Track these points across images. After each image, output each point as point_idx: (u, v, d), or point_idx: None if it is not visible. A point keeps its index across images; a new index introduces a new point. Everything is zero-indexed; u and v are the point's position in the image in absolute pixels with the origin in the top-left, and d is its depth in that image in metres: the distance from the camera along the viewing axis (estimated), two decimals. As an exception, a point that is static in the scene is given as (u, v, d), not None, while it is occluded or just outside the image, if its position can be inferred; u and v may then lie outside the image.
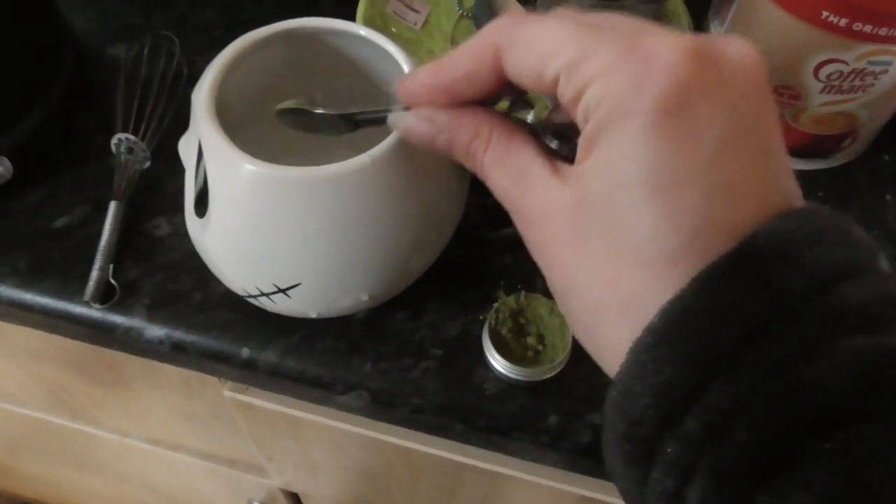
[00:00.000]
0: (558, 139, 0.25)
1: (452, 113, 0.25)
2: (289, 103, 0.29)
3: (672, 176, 0.20)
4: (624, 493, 0.22)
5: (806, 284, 0.19)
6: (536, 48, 0.22)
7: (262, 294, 0.35)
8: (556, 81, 0.22)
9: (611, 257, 0.21)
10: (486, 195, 0.29)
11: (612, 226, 0.21)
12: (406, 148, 0.32)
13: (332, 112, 0.28)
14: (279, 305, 0.36)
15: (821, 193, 0.48)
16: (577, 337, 0.24)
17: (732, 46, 0.21)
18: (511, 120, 0.25)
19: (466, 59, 0.24)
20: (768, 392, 0.19)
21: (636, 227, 0.20)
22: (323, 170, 0.31)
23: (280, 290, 0.34)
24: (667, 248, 0.20)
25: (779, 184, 0.21)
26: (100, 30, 0.53)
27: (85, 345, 0.45)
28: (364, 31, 0.35)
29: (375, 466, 0.50)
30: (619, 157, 0.21)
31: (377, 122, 0.28)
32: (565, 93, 0.22)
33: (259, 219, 0.32)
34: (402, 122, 0.26)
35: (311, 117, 0.29)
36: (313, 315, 0.36)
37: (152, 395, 0.56)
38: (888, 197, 0.48)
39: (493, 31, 0.23)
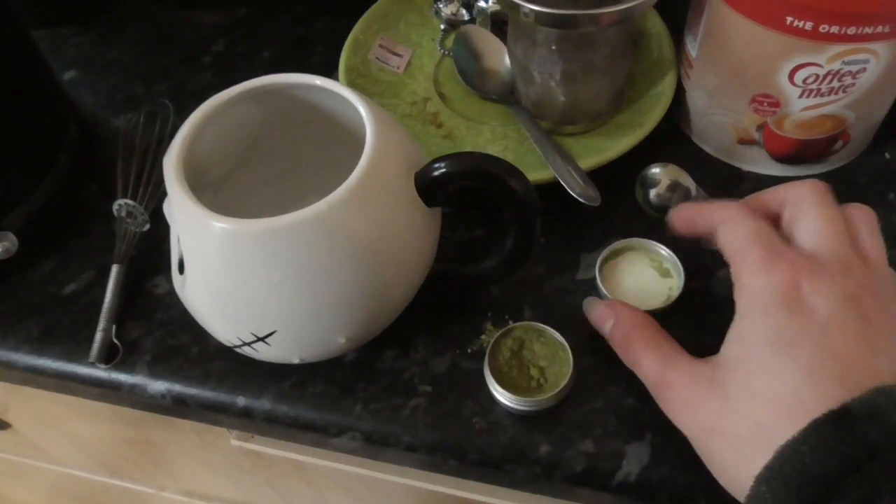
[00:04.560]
0: None
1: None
2: None
3: (791, 338, 0.29)
4: None
5: (889, 439, 0.26)
6: (727, 237, 0.33)
7: (245, 343, 0.36)
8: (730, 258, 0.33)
9: (747, 397, 0.29)
10: (466, 230, 0.29)
11: (749, 374, 0.29)
12: (363, 192, 0.33)
13: None
14: (262, 353, 0.37)
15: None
16: (712, 470, 0.31)
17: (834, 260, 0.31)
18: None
19: (706, 220, 0.35)
20: None
21: (768, 375, 0.28)
22: (281, 219, 0.32)
23: (259, 339, 0.35)
24: (791, 391, 0.28)
25: (877, 362, 0.29)
26: (106, 102, 0.57)
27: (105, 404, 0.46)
28: (320, 81, 0.36)
29: (389, 507, 0.51)
30: (751, 327, 0.30)
31: None
32: (732, 270, 0.32)
33: (226, 271, 0.33)
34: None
35: None
36: (296, 361, 0.37)
37: (173, 448, 0.58)
38: (891, 196, 0.47)
39: (723, 214, 0.34)
